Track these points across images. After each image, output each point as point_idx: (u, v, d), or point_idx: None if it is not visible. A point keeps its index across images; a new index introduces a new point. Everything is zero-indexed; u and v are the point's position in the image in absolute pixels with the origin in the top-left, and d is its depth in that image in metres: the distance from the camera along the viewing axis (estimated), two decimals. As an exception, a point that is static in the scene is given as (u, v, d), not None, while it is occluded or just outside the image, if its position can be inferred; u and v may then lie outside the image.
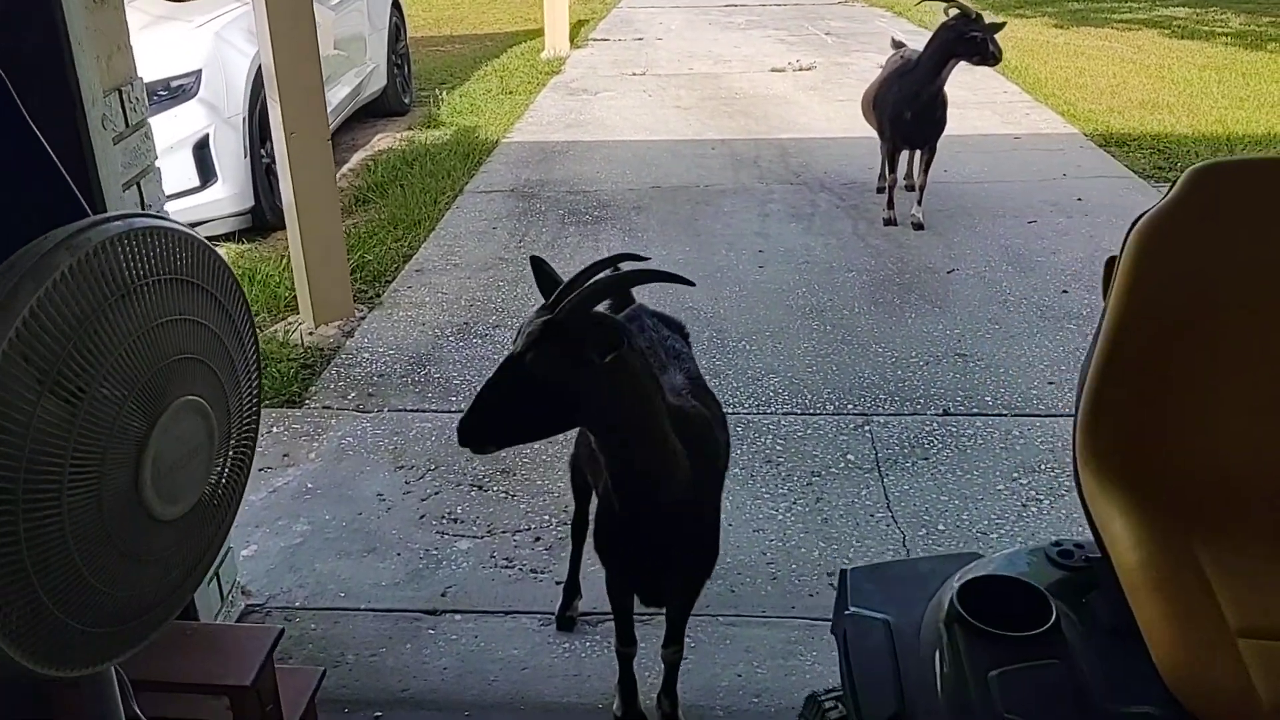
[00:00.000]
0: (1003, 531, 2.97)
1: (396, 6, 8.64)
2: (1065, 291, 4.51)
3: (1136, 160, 6.42)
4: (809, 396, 3.69)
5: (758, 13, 13.94)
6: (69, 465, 1.17)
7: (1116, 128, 7.11)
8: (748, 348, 4.05)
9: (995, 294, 4.50)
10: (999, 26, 4.81)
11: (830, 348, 4.05)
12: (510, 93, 8.89)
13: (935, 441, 3.40)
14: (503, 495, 3.18)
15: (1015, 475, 3.22)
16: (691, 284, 2.05)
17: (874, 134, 6.50)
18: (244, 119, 5.36)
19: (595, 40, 11.80)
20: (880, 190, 5.85)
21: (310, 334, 4.29)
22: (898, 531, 2.97)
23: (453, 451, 3.27)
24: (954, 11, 4.83)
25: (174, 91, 5.13)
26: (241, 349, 1.45)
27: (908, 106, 5.02)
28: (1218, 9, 13.02)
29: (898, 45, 5.68)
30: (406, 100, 8.68)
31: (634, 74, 9.64)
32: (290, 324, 4.39)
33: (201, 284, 1.35)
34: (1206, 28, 11.62)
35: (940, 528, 2.99)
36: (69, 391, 1.16)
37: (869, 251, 5.02)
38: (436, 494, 3.19)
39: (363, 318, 4.43)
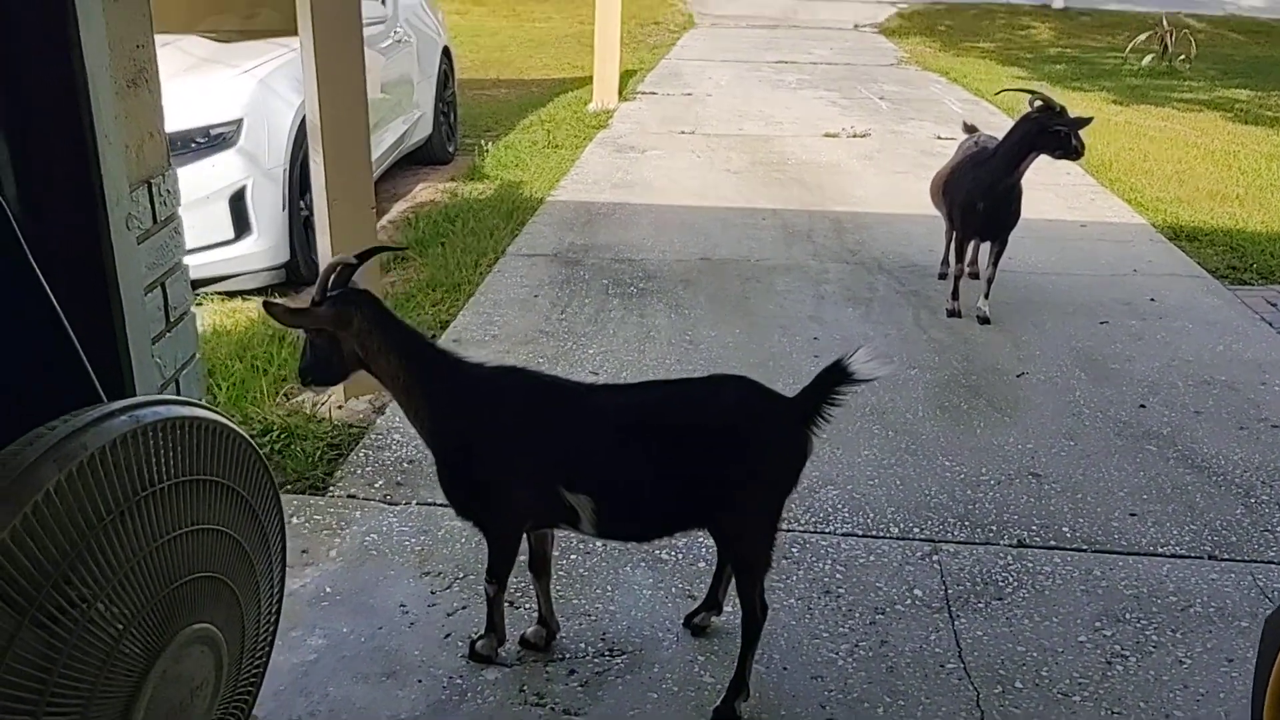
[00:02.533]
0: (1086, 693, 2.67)
1: (447, 54, 8.50)
2: (1143, 406, 4.21)
3: (1209, 258, 6.13)
4: (871, 515, 3.41)
5: (809, 71, 13.78)
6: (45, 708, 0.92)
7: (1186, 220, 6.82)
8: (803, 452, 3.78)
9: (1068, 404, 4.22)
10: (1085, 121, 4.56)
11: (893, 457, 3.77)
12: (556, 147, 8.71)
13: (1010, 578, 3.11)
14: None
15: (1098, 624, 2.93)
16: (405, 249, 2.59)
17: (934, 213, 6.27)
18: (284, 170, 5.18)
19: (643, 93, 11.64)
20: (942, 277, 5.59)
21: (339, 408, 4.06)
22: (970, 688, 2.67)
23: (483, 557, 3.00)
24: (1038, 103, 4.58)
25: (213, 140, 4.95)
26: (268, 559, 1.21)
27: (982, 198, 4.76)
28: (1280, 93, 12.76)
29: (970, 130, 5.43)
30: (451, 149, 8.52)
31: (683, 132, 9.45)
32: (316, 400, 4.15)
33: (228, 483, 1.10)
34: (1270, 113, 11.34)
35: (1018, 685, 2.69)
36: (53, 621, 0.91)
37: (932, 346, 4.75)
38: (464, 608, 2.93)
39: (395, 391, 4.19)
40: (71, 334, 1.20)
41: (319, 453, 3.68)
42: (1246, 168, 8.51)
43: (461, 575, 3.06)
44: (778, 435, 2.49)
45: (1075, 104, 11.77)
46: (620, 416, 2.53)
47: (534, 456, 2.51)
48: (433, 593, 2.99)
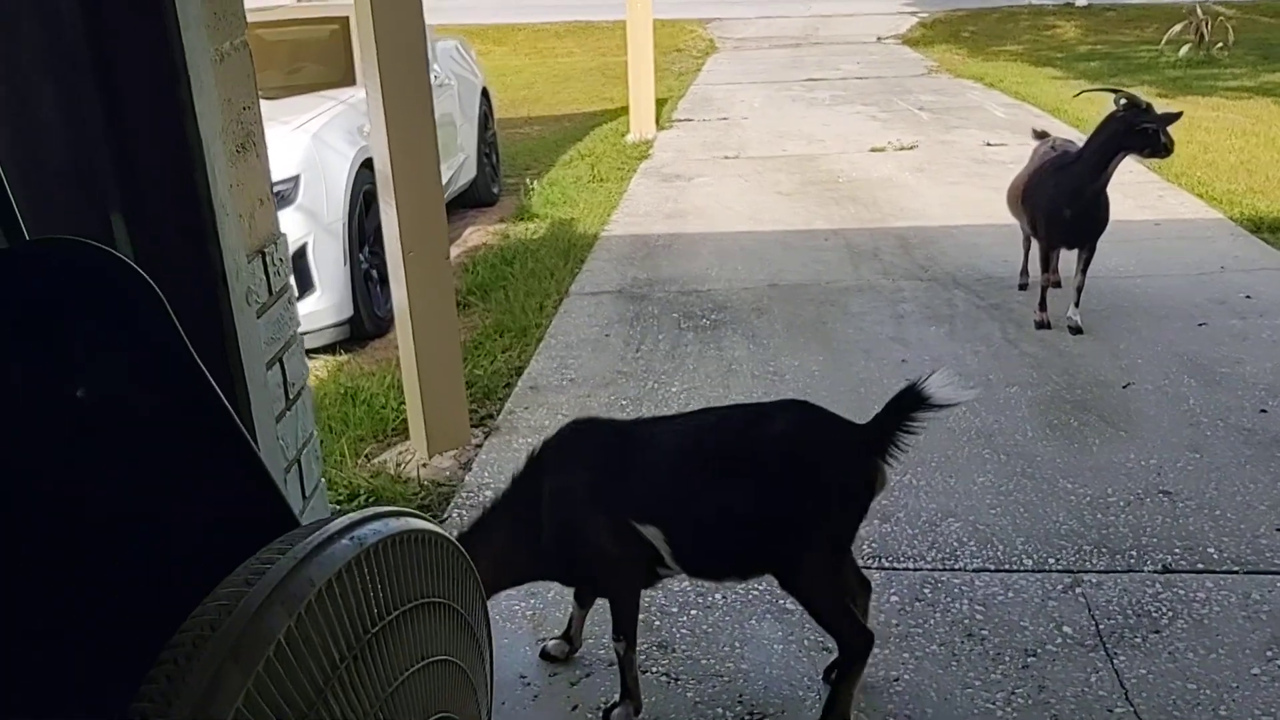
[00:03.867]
0: (1275, 734, 2.46)
1: (485, 95, 8.42)
2: (1264, 411, 4.00)
3: (1295, 248, 5.90)
4: (1000, 548, 3.21)
5: (841, 87, 13.63)
6: None
7: (1265, 212, 6.59)
8: (914, 483, 3.59)
9: (1184, 414, 4.00)
10: (1174, 117, 4.37)
11: (1011, 483, 3.57)
12: (601, 180, 8.59)
13: (1163, 608, 2.90)
14: (664, 679, 2.73)
15: (1270, 654, 2.71)
16: None
17: (1000, 222, 6.09)
18: (344, 224, 5.07)
19: (679, 121, 11.53)
20: (1022, 288, 5.39)
21: (424, 465, 3.91)
22: (1148, 734, 2.47)
23: (600, 620, 2.83)
24: (1123, 100, 4.40)
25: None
26: (486, 685, 1.03)
27: (1068, 204, 4.57)
28: (1327, 74, 12.47)
29: (1041, 135, 5.24)
30: (495, 190, 8.43)
31: (727, 157, 9.31)
32: (402, 453, 4.02)
33: (449, 602, 0.94)
34: (1322, 96, 11.07)
35: (1198, 728, 2.49)
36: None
37: (1027, 361, 4.55)
38: (588, 676, 2.75)
39: (479, 445, 4.05)
40: (252, 443, 1.06)
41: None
42: (1311, 153, 8.26)
43: (582, 640, 2.89)
44: (838, 464, 2.39)
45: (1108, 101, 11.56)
46: (681, 442, 2.48)
47: (605, 491, 2.44)
48: (554, 660, 2.82)
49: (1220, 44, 14.51)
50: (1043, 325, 4.87)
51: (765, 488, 2.35)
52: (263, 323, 1.73)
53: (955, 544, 3.24)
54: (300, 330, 4.97)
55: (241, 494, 0.97)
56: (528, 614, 3.03)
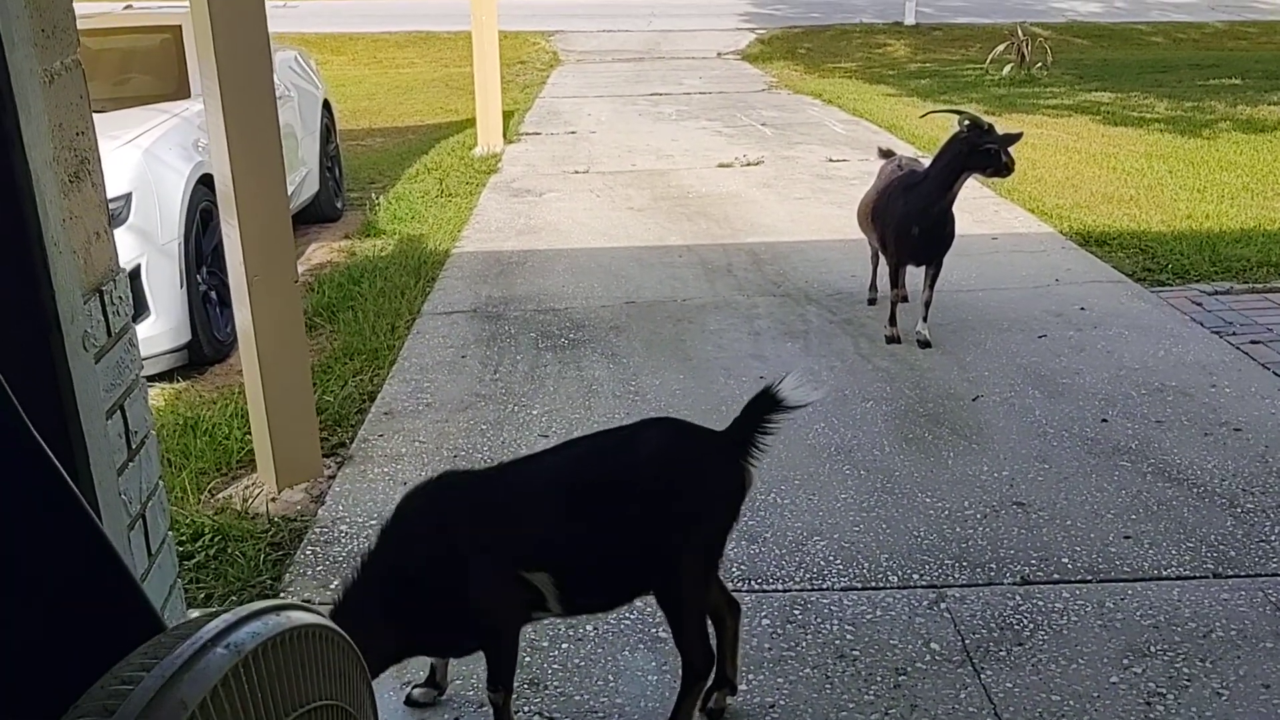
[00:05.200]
0: (1136, 741, 2.53)
1: (327, 107, 8.17)
2: (1105, 420, 4.16)
3: (1122, 262, 6.19)
4: (866, 565, 3.24)
5: (684, 102, 13.77)
6: None
7: (1091, 226, 6.91)
8: (780, 501, 3.60)
9: (1031, 425, 4.13)
10: (1015, 138, 4.53)
11: (872, 498, 3.61)
12: (450, 195, 8.43)
13: (1024, 620, 2.97)
14: (537, 718, 2.64)
15: (1125, 662, 2.80)
16: None
17: (847, 238, 6.22)
18: (180, 244, 4.80)
19: (527, 134, 11.44)
20: (871, 302, 5.51)
21: (273, 500, 3.72)
22: (1018, 749, 2.51)
23: (464, 659, 2.73)
24: (966, 122, 4.52)
25: (102, 217, 4.54)
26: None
27: (916, 222, 4.68)
28: (1139, 94, 13.22)
29: (887, 154, 5.37)
30: (339, 205, 8.18)
31: (577, 171, 9.27)
32: (249, 487, 3.81)
33: (339, 703, 0.84)
34: (1135, 113, 11.72)
35: (1064, 740, 2.54)
36: None
37: (880, 376, 4.63)
38: (457, 720, 2.64)
39: (332, 476, 3.88)
40: (106, 534, 0.93)
41: (261, 555, 3.34)
42: (1130, 169, 8.72)
43: (448, 682, 2.77)
44: (710, 472, 2.44)
45: (947, 117, 11.99)
46: (554, 481, 2.43)
47: (491, 547, 2.35)
48: (421, 706, 2.69)
49: (1040, 64, 15.26)
50: (893, 340, 4.97)
51: (644, 509, 2.34)
52: (101, 368, 1.57)
53: (822, 563, 3.25)
54: (133, 357, 4.71)
55: (87, 586, 0.85)
56: (391, 656, 2.89)
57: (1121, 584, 3.13)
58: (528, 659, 2.82)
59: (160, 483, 1.79)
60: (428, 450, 4.04)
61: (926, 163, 5.00)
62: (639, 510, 2.34)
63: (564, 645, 2.88)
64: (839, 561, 3.26)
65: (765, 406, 2.40)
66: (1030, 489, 3.66)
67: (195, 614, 3.07)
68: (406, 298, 5.76)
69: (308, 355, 3.83)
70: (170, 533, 1.83)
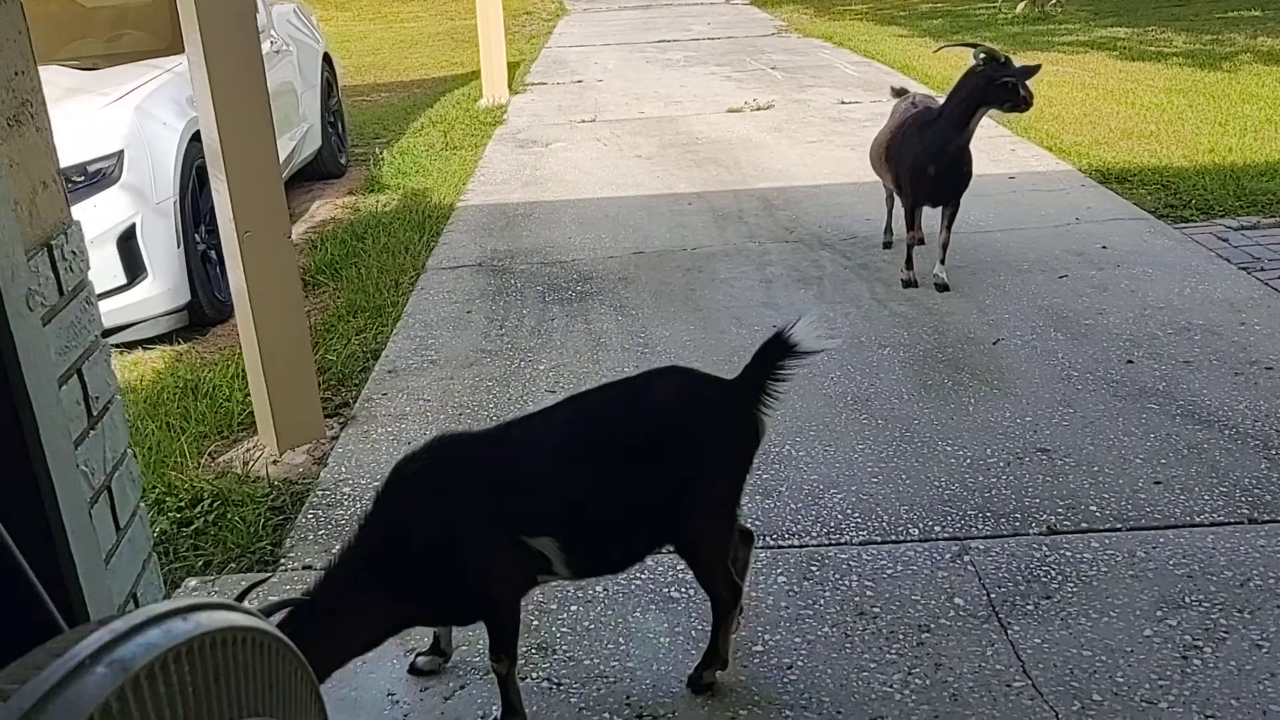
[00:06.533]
0: (1171, 697, 2.41)
1: (328, 60, 8.00)
2: (1130, 362, 4.01)
3: (1143, 198, 6.00)
4: (885, 518, 3.12)
5: (693, 49, 13.52)
6: None
7: (1111, 162, 6.71)
8: (795, 453, 3.48)
9: (1054, 368, 3.99)
10: (1033, 70, 4.33)
11: (891, 448, 3.49)
12: (455, 148, 8.28)
13: (1051, 572, 2.85)
14: (546, 684, 2.55)
15: (1159, 613, 2.68)
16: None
17: (861, 180, 6.06)
18: (175, 203, 4.68)
19: (533, 85, 11.24)
20: (886, 245, 5.35)
21: (274, 462, 3.62)
22: (1047, 708, 2.40)
23: (473, 625, 2.63)
24: (982, 55, 4.34)
25: (91, 177, 4.44)
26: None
27: (932, 161, 4.51)
28: (1156, 28, 12.90)
29: (900, 92, 5.18)
30: (343, 160, 8.03)
31: (583, 121, 9.09)
32: (250, 450, 3.72)
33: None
34: (1153, 48, 11.42)
35: (1095, 697, 2.42)
36: None
37: (897, 321, 4.49)
38: (463, 689, 2.55)
39: (335, 436, 3.78)
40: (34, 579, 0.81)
41: (261, 520, 3.25)
42: (1149, 104, 8.49)
43: (453, 649, 2.68)
44: (724, 420, 2.35)
45: (960, 55, 11.72)
46: (559, 440, 2.31)
47: (486, 515, 2.22)
48: (425, 675, 2.60)
49: (1054, 1, 14.91)
50: (910, 284, 4.82)
51: (657, 463, 2.25)
52: (52, 330, 1.45)
53: (840, 516, 3.13)
54: (135, 320, 4.60)
55: None
56: (394, 622, 2.79)
57: (1153, 531, 3.00)
58: (535, 622, 2.72)
59: (129, 451, 1.67)
60: (432, 409, 3.93)
61: (941, 100, 4.81)
62: (652, 463, 2.24)
63: (573, 608, 2.78)
64: (857, 515, 3.14)
65: (777, 352, 2.31)
66: (1055, 435, 3.53)
67: (193, 583, 2.99)
68: (410, 253, 5.63)
69: (304, 314, 3.71)
70: (142, 504, 1.72)
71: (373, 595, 2.16)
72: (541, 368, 4.22)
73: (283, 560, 3.08)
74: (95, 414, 1.57)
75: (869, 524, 3.09)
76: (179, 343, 4.82)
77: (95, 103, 4.72)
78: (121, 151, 4.50)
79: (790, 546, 3.00)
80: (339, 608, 2.13)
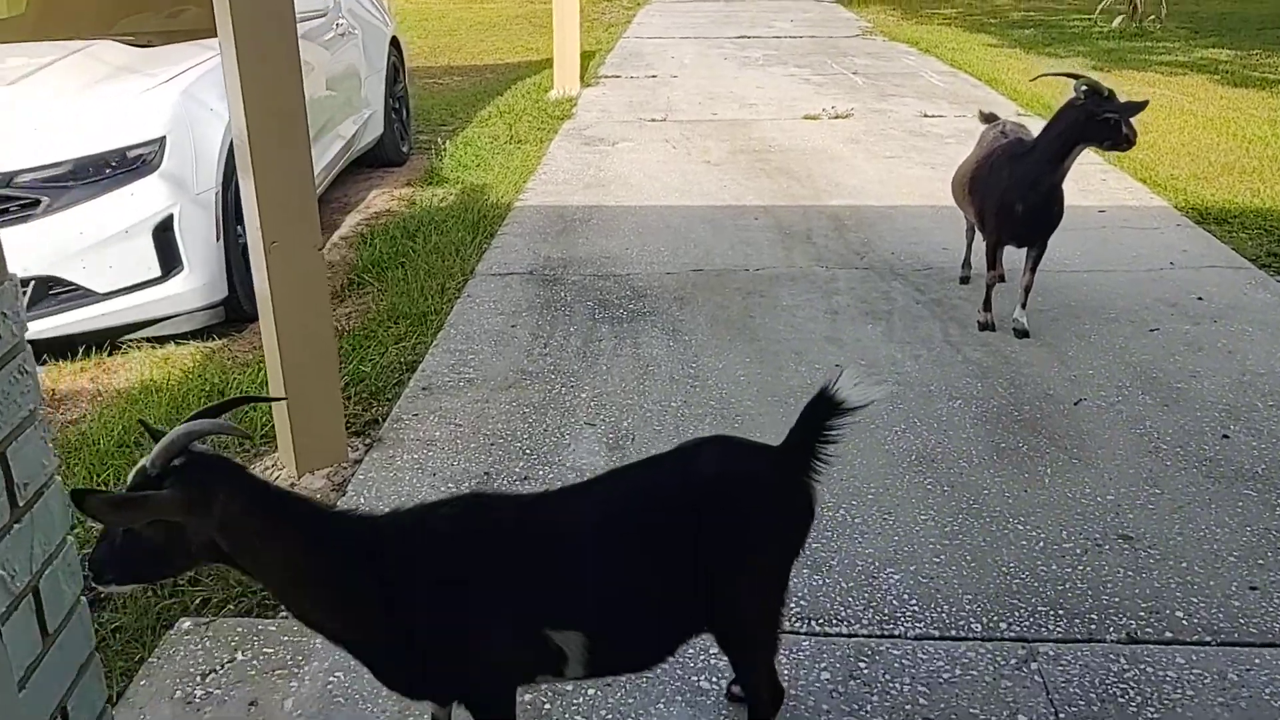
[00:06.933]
0: None
1: (396, 44, 7.79)
2: (1226, 437, 3.65)
3: (1244, 243, 5.59)
4: (946, 608, 2.81)
5: (774, 46, 13.19)
6: None
7: (1210, 200, 6.29)
8: (849, 520, 3.18)
9: (1142, 438, 3.65)
10: (1139, 106, 3.97)
11: (957, 522, 3.18)
12: (519, 141, 8.04)
13: (1130, 690, 2.53)
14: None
15: (1252, 752, 2.36)
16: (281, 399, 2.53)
17: (941, 203, 5.72)
18: (217, 194, 4.48)
19: (606, 77, 10.98)
20: (964, 280, 5.02)
21: (292, 486, 3.40)
22: None
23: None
24: (1084, 87, 3.98)
25: (130, 163, 4.25)
26: None
27: (1021, 198, 4.17)
28: (1260, 52, 12.30)
29: (990, 118, 4.83)
30: (405, 149, 7.83)
31: (653, 119, 8.81)
32: (268, 470, 3.50)
33: None
34: (1256, 74, 10.86)
35: None
36: None
37: (971, 370, 4.16)
38: (462, 776, 2.30)
39: (358, 460, 3.55)
40: None
41: (269, 554, 3.02)
42: (1253, 137, 8.00)
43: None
44: (772, 494, 2.11)
45: (1060, 82, 11.24)
46: (592, 521, 2.06)
47: (506, 597, 1.97)
48: (420, 756, 2.36)
49: (1153, 16, 14.31)
50: (986, 326, 4.49)
51: (701, 545, 2.00)
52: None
53: (895, 602, 2.83)
54: (167, 314, 4.42)
55: None
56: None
57: (1247, 649, 2.66)
58: (548, 706, 2.47)
59: (67, 539, 1.44)
60: (463, 435, 3.69)
61: (1034, 130, 4.47)
62: (695, 546, 2.00)
63: (590, 691, 2.52)
64: (915, 601, 2.84)
65: (824, 411, 2.08)
66: (1139, 519, 3.20)
67: (186, 624, 2.76)
68: (461, 256, 5.40)
69: (332, 332, 3.48)
70: (83, 597, 1.48)
71: (348, 583, 1.93)
72: (583, 395, 3.96)
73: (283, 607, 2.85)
74: (22, 503, 1.33)
75: (927, 613, 2.79)
76: (213, 339, 4.64)
77: (141, 84, 4.54)
78: (164, 138, 4.31)
79: (838, 635, 2.71)
80: (324, 543, 1.92)
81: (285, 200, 3.11)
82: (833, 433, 2.07)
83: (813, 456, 2.08)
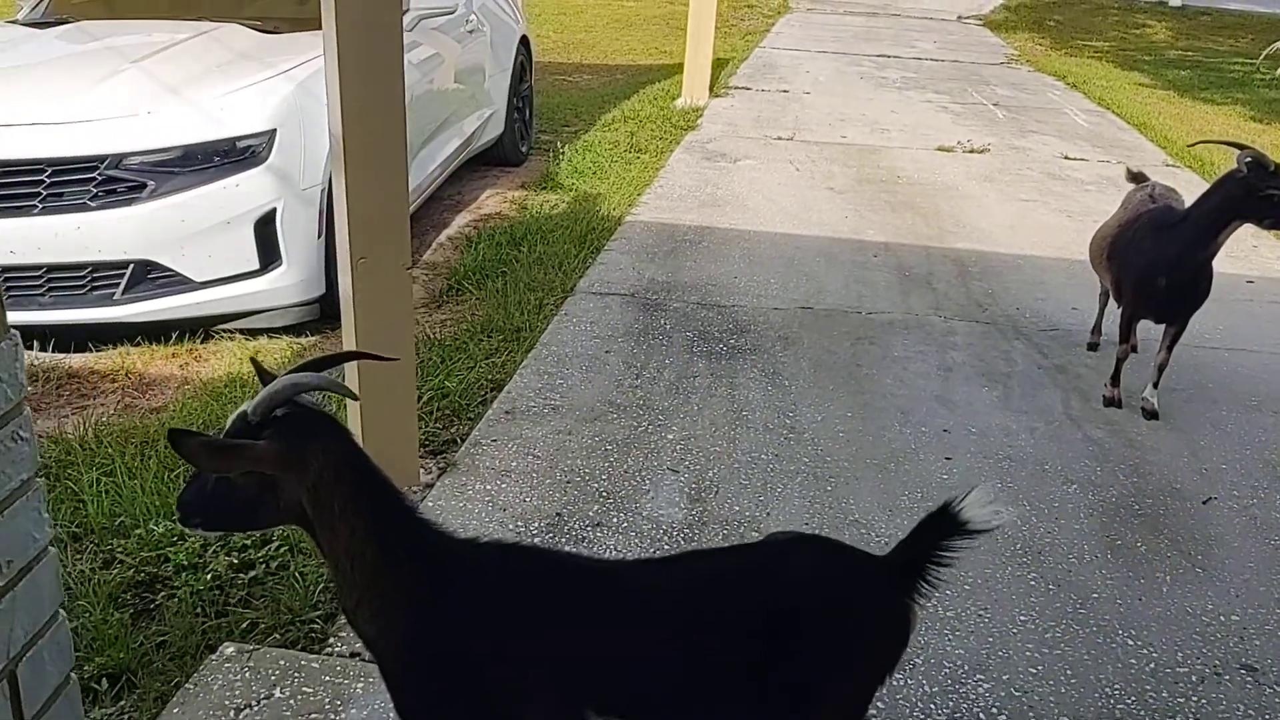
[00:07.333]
0: None
1: (524, 44, 7.70)
2: (1375, 559, 3.29)
3: None
4: (1038, 729, 2.55)
5: (914, 69, 12.79)
6: None
7: (1375, 279, 5.80)
8: (942, 613, 2.92)
9: (1276, 550, 3.30)
10: (1310, 185, 3.61)
11: (1059, 628, 2.90)
12: (639, 151, 7.88)
13: None
14: None
15: None
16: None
17: (1074, 257, 5.41)
18: (322, 191, 4.41)
19: (736, 88, 10.76)
20: (1092, 348, 4.68)
21: (359, 506, 3.28)
22: None
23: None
24: (1248, 159, 3.64)
25: (239, 154, 4.21)
26: None
27: (1164, 273, 3.84)
28: None
29: (1138, 178, 4.48)
30: (524, 149, 7.74)
31: (780, 138, 8.57)
32: (336, 486, 3.38)
33: None
34: None
35: None
36: None
37: (1091, 450, 3.85)
38: None
39: (430, 485, 3.42)
40: None
41: (321, 582, 2.90)
42: None
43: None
44: (873, 619, 1.90)
45: (1207, 119, 10.65)
46: (664, 607, 1.88)
47: (556, 668, 1.83)
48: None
49: (1326, 66, 13.51)
50: (1112, 403, 4.16)
51: (780, 664, 1.82)
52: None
53: (982, 715, 2.58)
54: (263, 307, 4.37)
55: None
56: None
57: (1384, 824, 2.35)
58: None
59: (60, 614, 1.30)
60: (539, 469, 3.53)
61: (1184, 186, 4.12)
62: (770, 655, 1.81)
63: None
64: (1004, 718, 2.57)
65: (944, 529, 1.88)
66: (1265, 646, 2.87)
67: (230, 649, 2.66)
68: (564, 270, 5.25)
69: (414, 352, 3.36)
70: (72, 675, 1.34)
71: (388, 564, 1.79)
72: (670, 437, 3.77)
73: (331, 640, 2.72)
74: (6, 581, 1.19)
75: (1015, 733, 2.53)
76: (306, 334, 4.57)
77: (257, 73, 4.49)
78: (274, 131, 4.25)
79: None
80: (398, 539, 1.80)
81: (377, 215, 2.99)
82: (948, 554, 1.88)
83: (921, 577, 1.89)
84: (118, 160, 4.09)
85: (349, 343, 3.18)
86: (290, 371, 1.77)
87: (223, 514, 1.77)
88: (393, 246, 3.04)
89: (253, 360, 1.95)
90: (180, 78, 4.47)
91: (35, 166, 4.07)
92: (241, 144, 4.20)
